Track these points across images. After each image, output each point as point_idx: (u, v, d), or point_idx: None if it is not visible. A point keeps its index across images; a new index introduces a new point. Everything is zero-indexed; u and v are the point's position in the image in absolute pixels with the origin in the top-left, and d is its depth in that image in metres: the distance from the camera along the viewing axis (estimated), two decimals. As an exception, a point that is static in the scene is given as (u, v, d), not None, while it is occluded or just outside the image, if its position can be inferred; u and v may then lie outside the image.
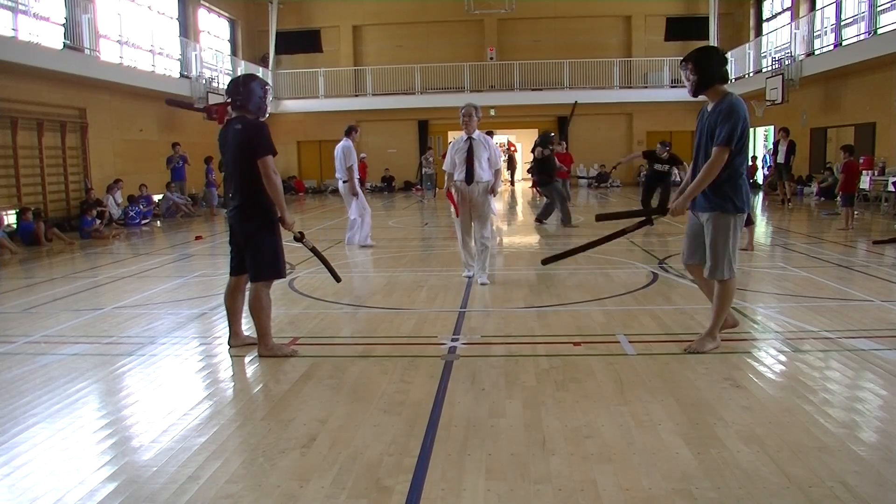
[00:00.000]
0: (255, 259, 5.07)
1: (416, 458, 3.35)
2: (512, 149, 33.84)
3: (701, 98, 4.93)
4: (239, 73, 24.37)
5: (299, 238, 5.31)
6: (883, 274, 8.03)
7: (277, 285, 7.77)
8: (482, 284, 7.73)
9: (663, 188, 14.76)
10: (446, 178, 8.17)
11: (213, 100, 20.59)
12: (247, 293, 5.27)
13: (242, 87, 5.05)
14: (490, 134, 11.97)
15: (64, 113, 16.18)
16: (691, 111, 25.50)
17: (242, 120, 5.03)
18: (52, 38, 15.33)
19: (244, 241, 5.10)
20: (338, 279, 5.86)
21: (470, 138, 7.79)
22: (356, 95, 28.06)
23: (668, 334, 5.51)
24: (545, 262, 5.69)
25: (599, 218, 5.50)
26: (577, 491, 3.01)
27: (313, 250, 5.48)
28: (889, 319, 5.93)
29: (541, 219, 14.40)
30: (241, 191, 5.02)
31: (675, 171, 14.84)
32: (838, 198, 13.61)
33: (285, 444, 3.57)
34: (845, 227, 12.17)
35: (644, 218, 5.11)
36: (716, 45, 26.45)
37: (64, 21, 15.74)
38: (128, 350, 5.45)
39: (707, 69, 4.77)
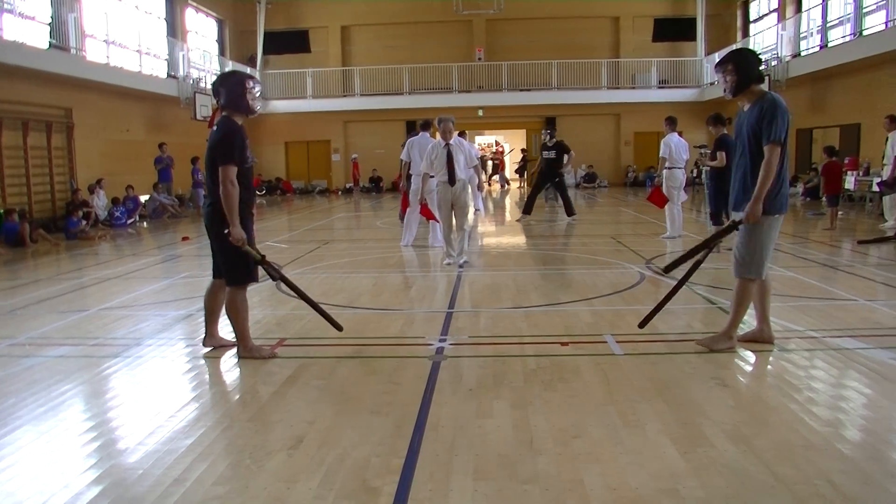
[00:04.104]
0: (225, 263, 5.02)
1: (404, 459, 3.35)
2: (499, 149, 33.87)
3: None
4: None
5: (260, 261, 5.01)
6: (867, 273, 8.08)
7: (265, 286, 7.76)
8: (465, 263, 8.95)
9: (557, 182, 15.10)
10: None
11: (200, 101, 20.50)
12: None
13: (220, 86, 4.97)
14: (462, 134, 12.15)
15: (50, 113, 16.07)
16: (679, 112, 25.72)
17: (222, 121, 4.95)
18: (38, 37, 15.23)
19: (215, 242, 5.05)
20: (338, 327, 5.35)
21: (448, 144, 8.81)
22: (344, 96, 28.01)
23: (656, 334, 5.52)
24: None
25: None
26: (564, 491, 3.01)
27: (283, 280, 5.24)
28: (873, 319, 5.97)
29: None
30: (212, 192, 4.96)
31: (566, 160, 15.03)
32: (823, 198, 13.72)
33: (272, 445, 3.55)
34: (830, 227, 12.28)
35: None
36: (703, 46, 26.68)
37: (50, 20, 15.65)
38: (114, 352, 5.41)
39: (746, 70, 4.80)
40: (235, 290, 5.03)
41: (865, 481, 3.04)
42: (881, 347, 4.98)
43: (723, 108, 21.30)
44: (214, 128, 4.95)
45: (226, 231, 4.82)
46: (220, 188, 4.77)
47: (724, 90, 4.92)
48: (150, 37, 21.03)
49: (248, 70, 26.42)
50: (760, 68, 4.91)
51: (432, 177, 9.24)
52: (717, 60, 5.01)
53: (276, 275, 5.18)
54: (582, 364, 4.79)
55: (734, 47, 24.70)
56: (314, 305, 5.34)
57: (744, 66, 4.81)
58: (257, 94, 5.05)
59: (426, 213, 9.58)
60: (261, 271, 5.14)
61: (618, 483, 3.07)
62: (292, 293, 5.40)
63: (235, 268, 4.98)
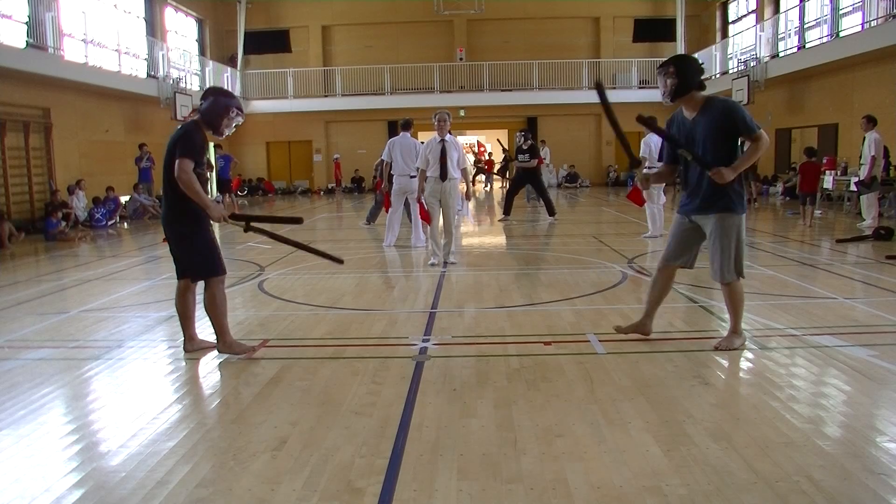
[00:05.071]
0: (189, 259, 5.05)
1: (388, 460, 3.34)
2: (482, 149, 33.86)
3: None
4: (207, 74, 24.25)
5: (248, 228, 5.13)
6: (846, 272, 8.18)
7: (247, 287, 7.74)
8: (452, 263, 8.97)
9: (534, 182, 15.24)
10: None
11: (180, 101, 20.35)
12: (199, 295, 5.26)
13: (210, 95, 5.02)
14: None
15: (27, 113, 15.89)
16: (659, 112, 25.86)
17: (190, 123, 4.99)
18: (15, 36, 15.05)
19: (174, 243, 5.09)
20: (338, 260, 5.46)
21: (443, 140, 8.84)
22: (325, 96, 27.94)
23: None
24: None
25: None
26: (548, 490, 3.02)
27: (277, 237, 5.34)
28: (852, 316, 6.04)
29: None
30: (166, 193, 5.01)
31: (535, 162, 15.13)
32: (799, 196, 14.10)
33: (256, 446, 3.54)
34: (804, 223, 12.76)
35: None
36: (683, 46, 26.83)
37: (27, 19, 15.46)
38: (94, 354, 5.36)
39: (686, 75, 4.80)
40: (213, 286, 5.04)
41: (845, 477, 3.07)
42: (860, 345, 5.04)
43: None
44: (178, 126, 5.01)
45: (182, 231, 4.98)
46: (179, 187, 4.80)
47: (663, 94, 4.91)
48: (128, 36, 20.84)
49: (229, 70, 26.33)
50: (702, 77, 4.90)
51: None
52: (660, 63, 4.99)
53: (267, 232, 5.22)
54: (565, 363, 4.81)
55: (712, 48, 25.02)
56: (308, 248, 5.46)
57: (685, 70, 4.81)
58: (234, 125, 5.11)
59: (424, 216, 9.24)
60: (236, 269, 5.16)
61: (601, 481, 3.08)
62: (289, 245, 5.44)
63: (199, 263, 5.02)
